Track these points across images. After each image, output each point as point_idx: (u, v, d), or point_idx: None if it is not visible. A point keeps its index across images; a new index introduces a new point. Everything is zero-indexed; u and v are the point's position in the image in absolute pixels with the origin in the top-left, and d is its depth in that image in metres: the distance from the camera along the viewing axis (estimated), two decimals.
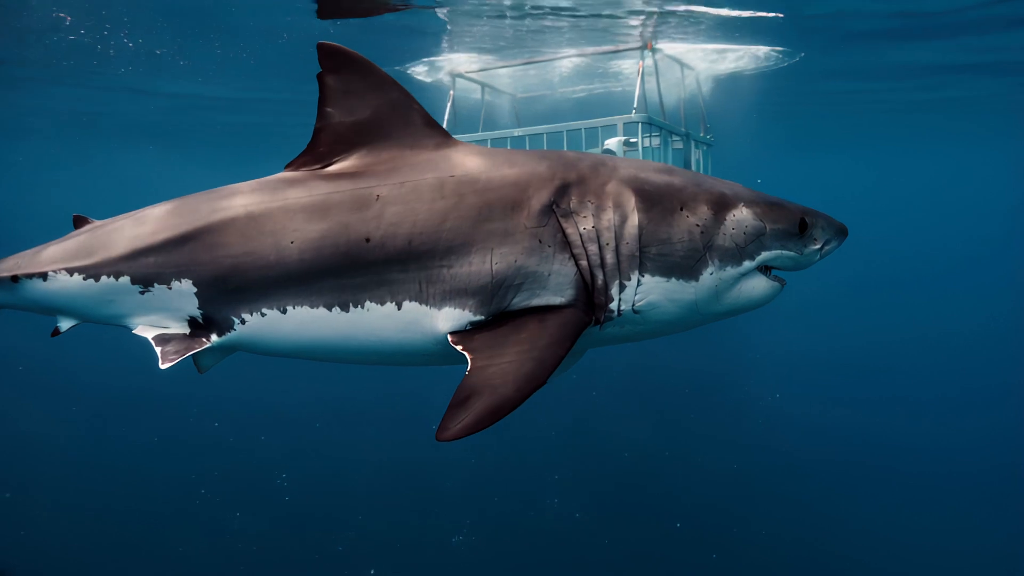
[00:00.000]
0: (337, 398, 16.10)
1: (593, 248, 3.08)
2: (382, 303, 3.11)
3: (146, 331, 3.42)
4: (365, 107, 3.38)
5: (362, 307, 3.13)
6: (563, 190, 3.15)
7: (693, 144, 9.37)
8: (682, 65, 9.91)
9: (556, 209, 3.11)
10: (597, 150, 8.45)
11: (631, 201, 3.13)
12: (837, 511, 11.49)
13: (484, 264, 3.05)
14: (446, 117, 9.49)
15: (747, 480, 12.50)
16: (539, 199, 3.12)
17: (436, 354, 3.25)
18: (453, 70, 10.32)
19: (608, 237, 3.09)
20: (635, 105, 8.00)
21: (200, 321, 3.35)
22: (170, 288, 3.31)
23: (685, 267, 3.11)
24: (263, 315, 3.24)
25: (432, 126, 3.45)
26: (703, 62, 12.49)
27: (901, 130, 24.33)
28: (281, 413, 15.57)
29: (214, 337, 3.35)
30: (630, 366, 15.76)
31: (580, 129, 8.27)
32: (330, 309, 3.16)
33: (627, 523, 11.18)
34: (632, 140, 8.18)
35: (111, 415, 15.92)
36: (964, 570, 10.23)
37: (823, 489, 12.24)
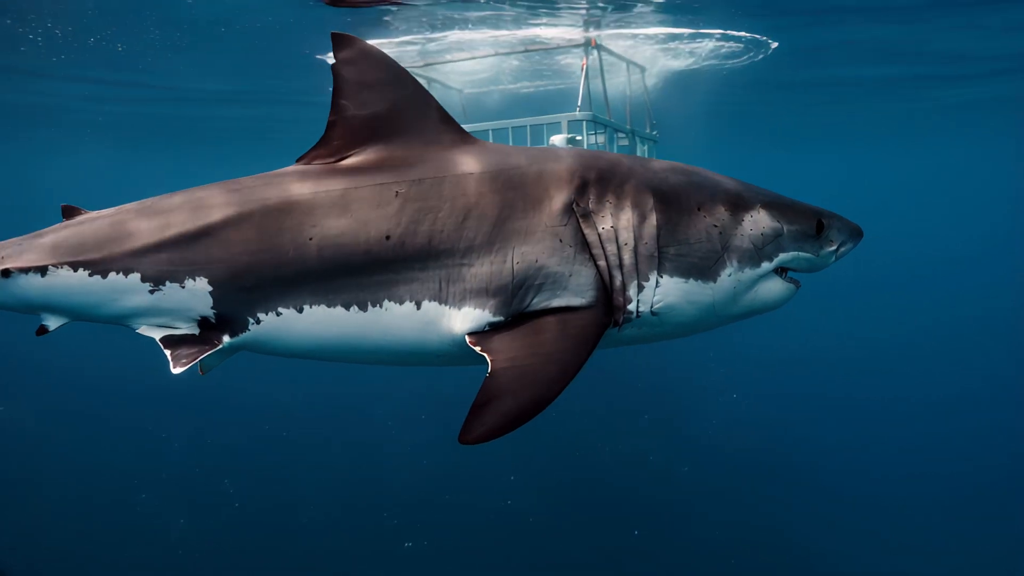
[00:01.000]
0: (285, 397, 15.87)
1: (612, 248, 3.04)
2: (401, 302, 3.04)
3: (152, 332, 3.24)
4: (380, 100, 3.28)
5: (380, 306, 3.05)
6: (583, 189, 3.10)
7: (639, 141, 9.42)
8: (627, 63, 9.95)
9: (576, 208, 3.06)
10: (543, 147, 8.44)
11: (649, 201, 3.10)
12: (807, 511, 11.51)
13: (505, 263, 2.99)
14: None
15: (708, 481, 12.52)
16: (559, 198, 3.07)
17: (453, 355, 3.18)
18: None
19: (627, 237, 3.05)
20: (579, 103, 7.99)
21: (212, 321, 3.18)
22: (183, 286, 3.13)
23: (703, 268, 3.08)
24: (279, 314, 3.12)
25: (447, 122, 3.38)
26: (662, 58, 12.58)
27: (871, 126, 24.51)
28: (233, 413, 15.25)
29: (226, 338, 3.19)
30: (589, 365, 15.75)
31: (526, 126, 8.25)
32: (348, 308, 3.07)
33: (584, 526, 11.14)
34: (577, 138, 8.18)
35: (111, 414, 15.62)
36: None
37: (791, 489, 12.19)
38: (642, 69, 10.43)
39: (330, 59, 13.96)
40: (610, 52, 9.42)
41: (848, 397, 16.93)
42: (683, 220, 3.09)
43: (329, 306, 3.07)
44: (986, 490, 12.35)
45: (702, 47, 12.29)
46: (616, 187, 3.12)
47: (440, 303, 3.03)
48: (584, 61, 8.35)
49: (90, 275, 3.17)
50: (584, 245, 3.03)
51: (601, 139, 8.86)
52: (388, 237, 3.01)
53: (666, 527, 11.08)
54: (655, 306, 3.09)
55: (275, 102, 17.78)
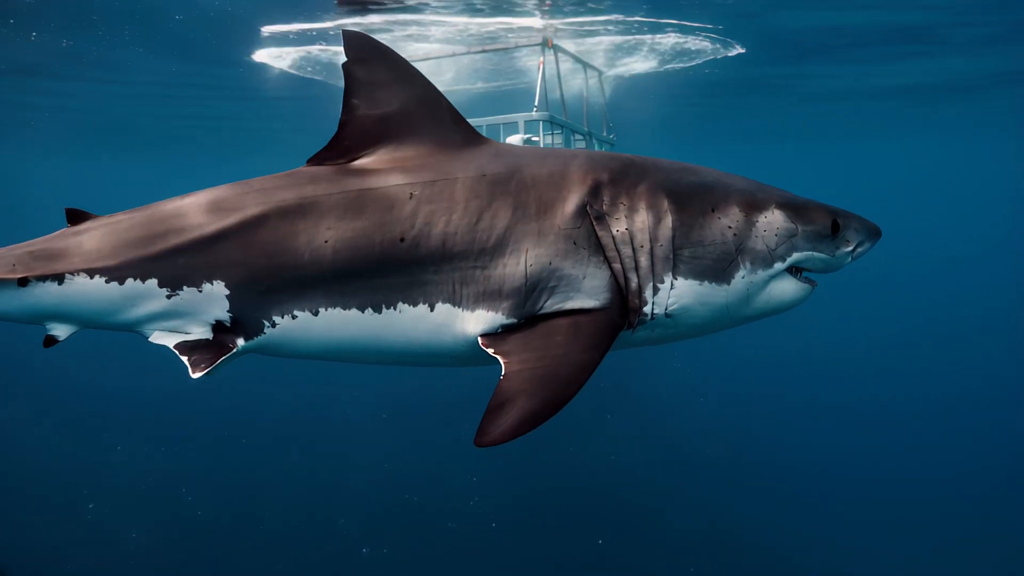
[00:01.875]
0: (240, 397, 15.65)
1: (627, 251, 3.02)
2: (415, 304, 3.02)
3: (165, 338, 3.20)
4: (392, 100, 3.25)
5: (395, 308, 3.03)
6: (596, 191, 3.07)
7: (596, 143, 9.47)
8: (585, 65, 10.00)
9: (590, 210, 3.03)
10: None
11: (664, 203, 3.07)
12: (787, 516, 11.38)
13: (518, 266, 2.98)
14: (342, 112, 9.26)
15: (681, 485, 12.39)
16: (573, 200, 3.04)
17: (466, 356, 3.16)
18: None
19: (642, 239, 3.03)
20: (536, 103, 8.00)
21: (227, 325, 3.14)
22: (200, 290, 3.09)
23: (717, 270, 3.06)
24: (294, 317, 3.10)
25: (459, 122, 3.34)
26: (624, 58, 12.63)
27: (847, 124, 24.67)
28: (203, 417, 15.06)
29: (241, 341, 3.14)
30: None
31: (482, 126, 8.23)
32: (362, 310, 3.05)
33: (550, 531, 11.05)
34: (534, 138, 8.20)
35: (111, 413, 15.35)
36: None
37: (769, 494, 12.04)
38: (599, 72, 10.49)
39: (264, 58, 13.70)
40: (567, 53, 9.45)
41: (836, 399, 16.91)
42: (698, 222, 3.06)
43: (344, 308, 3.06)
44: (981, 494, 12.34)
45: (664, 42, 12.27)
46: (630, 188, 3.10)
47: (453, 305, 3.02)
48: (541, 61, 8.36)
49: (107, 281, 3.12)
50: (598, 247, 3.02)
51: (558, 140, 8.89)
52: (402, 239, 2.99)
53: (635, 532, 11.01)
54: (669, 308, 3.08)
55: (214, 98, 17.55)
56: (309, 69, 13.89)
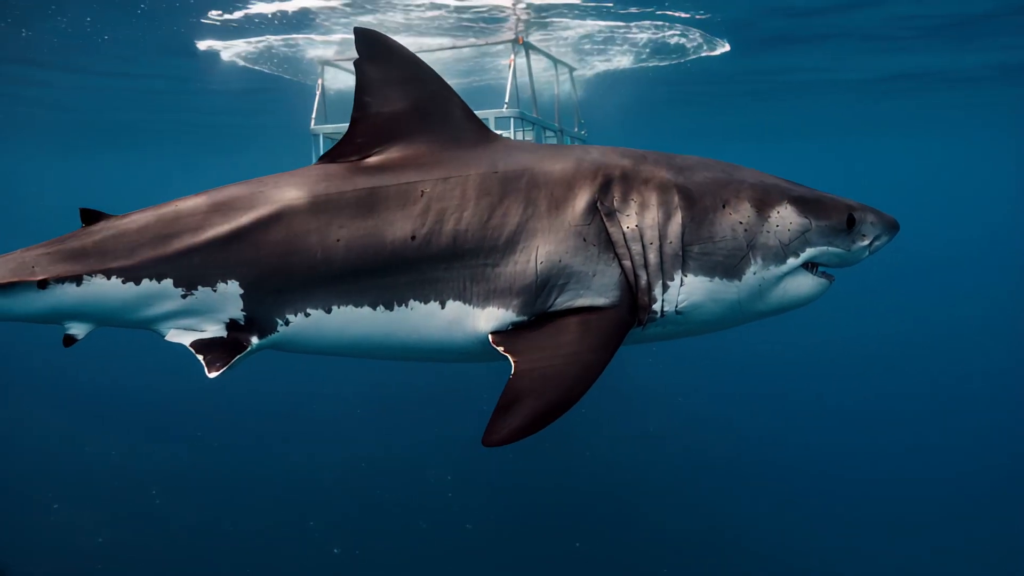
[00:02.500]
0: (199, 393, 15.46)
1: (637, 248, 3.01)
2: (426, 302, 3.04)
3: (180, 336, 3.22)
4: (404, 98, 3.26)
5: (406, 306, 3.05)
6: (606, 187, 3.07)
7: (567, 139, 9.47)
8: (556, 62, 9.99)
9: (600, 207, 3.03)
10: None
11: (674, 199, 3.06)
12: (772, 515, 11.25)
13: (528, 263, 2.99)
14: (315, 105, 9.18)
15: (659, 483, 12.20)
16: (583, 197, 3.04)
17: (477, 353, 3.18)
18: (322, 57, 9.96)
19: (651, 236, 3.02)
20: (507, 99, 7.97)
21: (241, 323, 3.17)
22: (215, 290, 3.11)
23: (728, 266, 3.04)
24: (307, 315, 3.12)
25: (471, 119, 3.34)
26: (598, 57, 12.61)
27: (819, 121, 24.74)
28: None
29: (255, 339, 3.17)
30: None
31: None
32: (374, 308, 3.07)
33: (527, 531, 10.95)
34: (504, 134, 8.19)
35: (111, 412, 14.77)
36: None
37: (738, 490, 12.00)
38: (571, 69, 10.49)
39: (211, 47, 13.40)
40: (537, 50, 9.44)
41: (835, 398, 16.59)
42: (708, 218, 3.04)
43: (356, 306, 3.08)
44: (981, 494, 12.07)
45: (638, 37, 12.24)
46: (641, 185, 3.09)
47: (464, 303, 3.03)
48: (511, 58, 8.34)
49: (123, 282, 3.15)
50: (608, 244, 3.01)
51: (529, 136, 8.88)
52: (413, 237, 3.00)
53: (621, 533, 10.81)
54: (680, 305, 3.07)
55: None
56: (261, 61, 13.72)
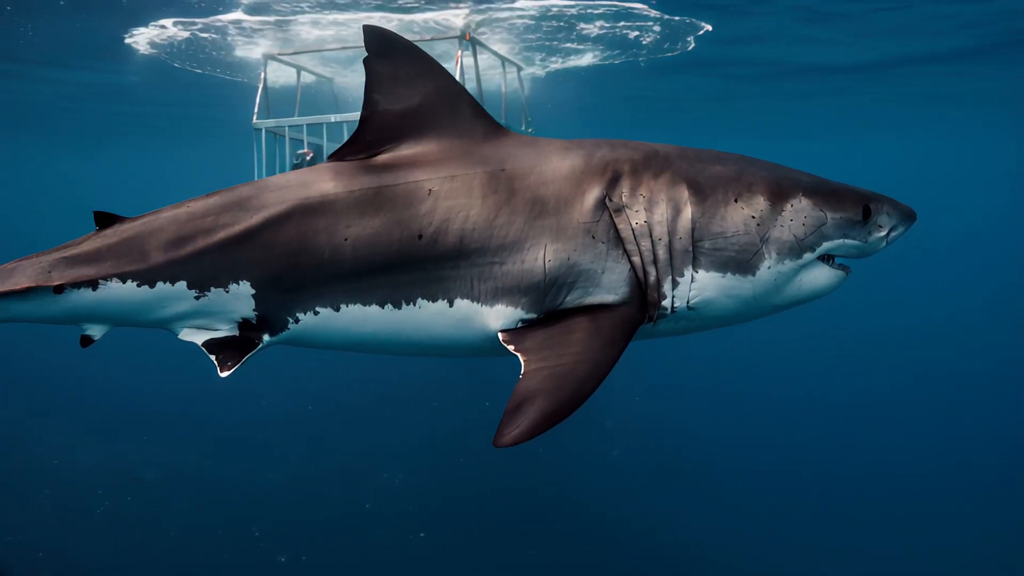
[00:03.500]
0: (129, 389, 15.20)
1: (646, 244, 2.99)
2: (433, 300, 3.06)
3: (194, 336, 3.30)
4: (413, 95, 3.28)
5: (414, 304, 3.08)
6: (615, 183, 3.05)
7: None
8: (502, 59, 9.97)
9: (609, 203, 3.02)
10: None
11: (684, 193, 3.04)
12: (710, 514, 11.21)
13: (537, 261, 2.99)
14: (257, 100, 8.98)
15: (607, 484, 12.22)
16: (592, 193, 3.03)
17: (486, 350, 3.21)
18: (267, 52, 9.75)
19: (661, 232, 3.00)
20: None
21: (253, 322, 3.24)
22: (227, 291, 3.17)
23: (741, 262, 3.01)
24: (316, 313, 3.17)
25: (480, 115, 3.33)
26: (552, 56, 12.57)
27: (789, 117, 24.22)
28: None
29: (266, 337, 3.25)
30: (474, 366, 15.09)
31: None
32: (382, 306, 3.11)
33: (476, 537, 10.82)
34: None
35: (112, 411, 14.70)
36: None
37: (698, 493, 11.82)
38: (518, 67, 10.49)
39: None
40: (484, 47, 9.41)
41: (816, 395, 16.52)
42: (719, 212, 3.02)
43: (364, 305, 3.11)
44: (969, 493, 12.16)
45: (588, 31, 12.14)
46: (650, 179, 3.07)
47: (472, 301, 3.04)
48: (458, 55, 8.29)
49: (138, 285, 3.20)
50: (617, 241, 3.00)
51: None
52: (420, 236, 3.02)
53: (581, 540, 10.67)
54: (692, 301, 3.05)
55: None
56: (170, 51, 13.40)
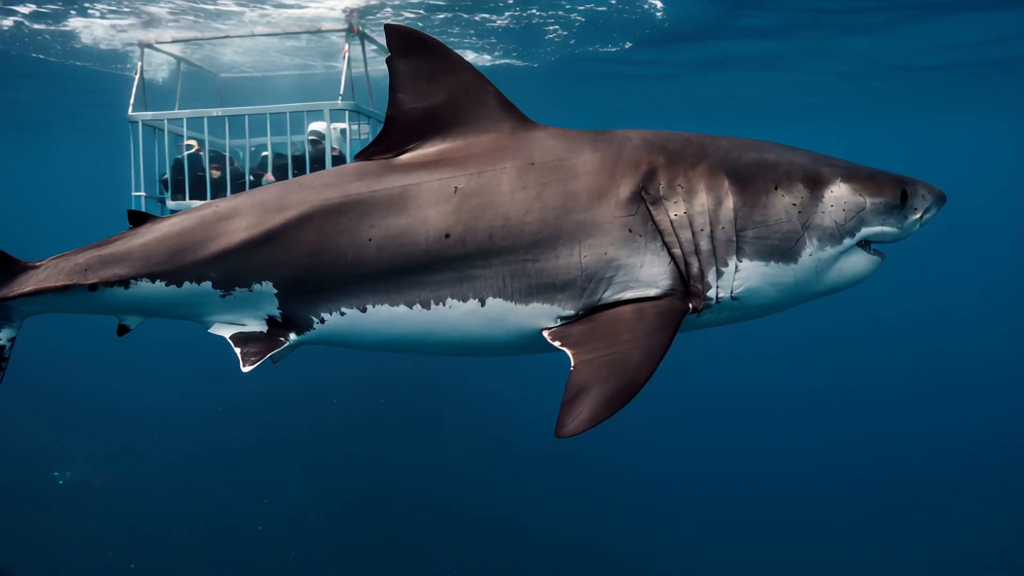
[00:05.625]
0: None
1: (687, 235, 2.94)
2: (464, 300, 3.01)
3: (223, 330, 3.37)
4: (438, 91, 3.23)
5: (443, 304, 3.03)
6: (651, 175, 2.99)
7: None
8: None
9: (645, 196, 2.96)
10: (303, 136, 8.22)
11: (724, 183, 2.99)
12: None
13: (572, 257, 2.93)
14: (133, 91, 8.60)
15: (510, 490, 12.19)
16: (627, 186, 2.97)
17: (522, 348, 3.17)
18: (143, 40, 9.35)
19: (702, 223, 2.95)
20: (341, 91, 7.84)
21: (279, 320, 3.29)
22: (251, 290, 3.24)
23: (784, 250, 2.97)
24: (342, 314, 3.17)
25: (507, 109, 3.27)
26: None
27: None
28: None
29: (293, 336, 3.28)
30: (380, 369, 14.60)
31: (285, 112, 7.97)
32: (411, 307, 3.07)
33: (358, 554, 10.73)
34: (341, 126, 8.07)
35: (111, 412, 14.82)
36: None
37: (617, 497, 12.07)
38: None
39: None
40: (373, 41, 9.36)
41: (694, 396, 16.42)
42: (760, 201, 2.98)
43: (392, 305, 3.09)
44: (877, 499, 12.49)
45: (498, 21, 11.91)
46: (687, 170, 3.02)
47: (505, 299, 2.99)
48: (346, 49, 8.21)
49: (166, 284, 3.32)
50: (655, 233, 2.94)
51: (365, 130, 8.78)
52: (447, 235, 2.97)
53: (461, 549, 10.74)
54: (735, 291, 3.01)
55: None
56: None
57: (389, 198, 3.09)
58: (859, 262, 3.17)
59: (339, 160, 7.98)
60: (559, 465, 12.31)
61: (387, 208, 3.07)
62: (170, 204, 8.58)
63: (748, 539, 11.32)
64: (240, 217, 3.25)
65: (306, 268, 3.14)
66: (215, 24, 10.97)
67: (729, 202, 2.98)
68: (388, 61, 3.20)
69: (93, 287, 3.37)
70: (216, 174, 8.43)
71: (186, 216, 3.40)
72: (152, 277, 3.33)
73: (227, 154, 8.29)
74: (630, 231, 2.95)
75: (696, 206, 2.98)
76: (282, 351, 3.29)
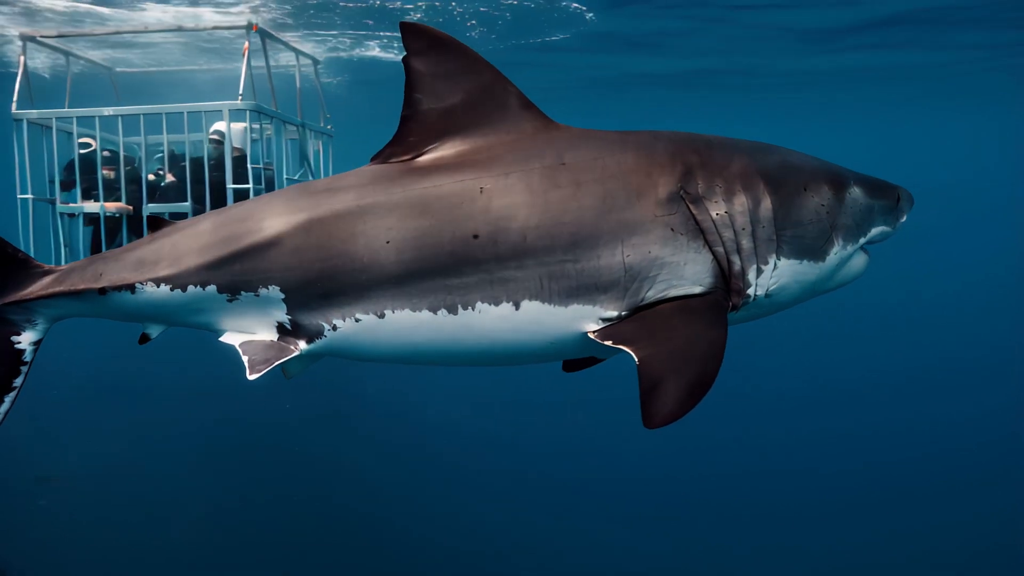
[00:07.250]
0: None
1: (728, 234, 2.98)
2: (496, 303, 2.93)
3: (232, 338, 3.28)
4: (456, 91, 3.17)
5: (472, 309, 2.94)
6: (688, 174, 3.02)
7: (311, 134, 9.27)
8: (296, 52, 9.74)
9: (685, 195, 2.98)
10: (202, 134, 7.95)
11: (760, 183, 3.05)
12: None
13: (614, 256, 2.91)
14: (16, 87, 8.15)
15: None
16: (665, 185, 2.98)
17: (552, 353, 3.14)
18: (25, 33, 8.86)
19: (743, 222, 3.00)
20: (241, 91, 7.64)
21: (288, 328, 3.19)
22: (257, 295, 3.16)
23: (815, 248, 3.10)
24: (357, 320, 3.06)
25: (529, 108, 3.24)
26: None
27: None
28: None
29: (303, 344, 3.17)
30: (331, 378, 14.13)
31: (183, 112, 7.71)
32: (435, 312, 2.97)
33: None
34: (244, 126, 7.86)
35: (112, 412, 14.70)
36: None
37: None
38: (315, 61, 10.27)
39: None
40: (275, 39, 9.14)
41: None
42: (795, 201, 3.08)
43: (414, 311, 2.99)
44: (845, 494, 12.51)
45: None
46: (722, 170, 3.07)
47: (543, 302, 2.93)
48: (246, 46, 7.99)
49: (171, 289, 3.24)
50: (696, 232, 2.97)
51: (268, 130, 8.59)
52: (476, 236, 2.91)
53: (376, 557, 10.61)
54: (770, 288, 3.09)
55: None
56: None
57: (408, 200, 3.01)
58: (860, 261, 3.38)
59: (241, 160, 7.77)
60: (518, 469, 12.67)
61: (406, 210, 2.99)
62: (60, 207, 8.17)
63: (745, 535, 11.38)
64: (249, 221, 3.19)
65: (316, 272, 3.05)
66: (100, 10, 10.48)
67: (767, 202, 3.05)
68: (404, 60, 3.18)
69: (103, 291, 3.32)
70: (110, 175, 8.09)
71: (200, 221, 3.38)
72: (157, 282, 3.26)
73: (121, 153, 7.95)
74: (672, 230, 2.96)
75: (736, 205, 3.03)
76: (294, 362, 3.21)
